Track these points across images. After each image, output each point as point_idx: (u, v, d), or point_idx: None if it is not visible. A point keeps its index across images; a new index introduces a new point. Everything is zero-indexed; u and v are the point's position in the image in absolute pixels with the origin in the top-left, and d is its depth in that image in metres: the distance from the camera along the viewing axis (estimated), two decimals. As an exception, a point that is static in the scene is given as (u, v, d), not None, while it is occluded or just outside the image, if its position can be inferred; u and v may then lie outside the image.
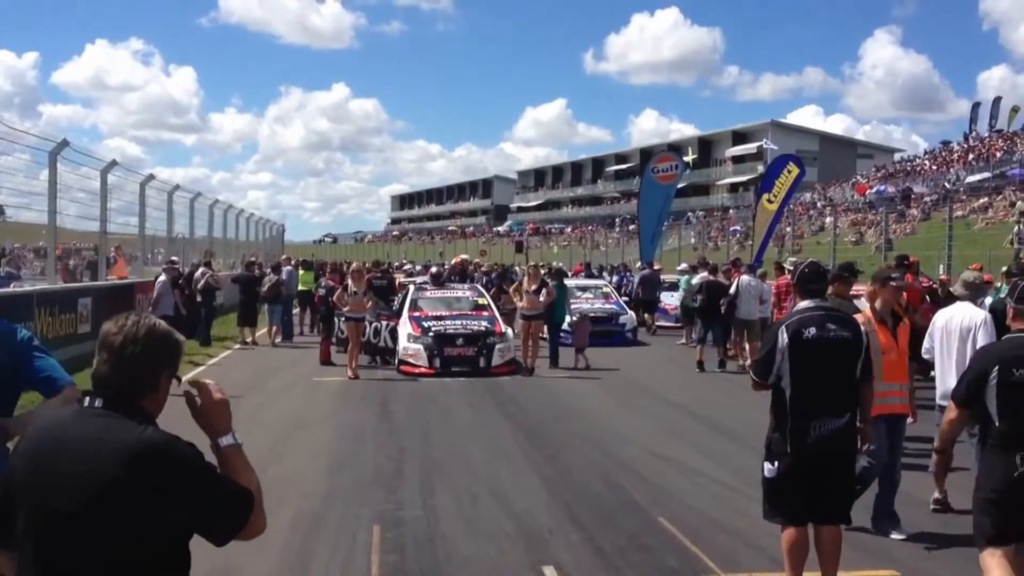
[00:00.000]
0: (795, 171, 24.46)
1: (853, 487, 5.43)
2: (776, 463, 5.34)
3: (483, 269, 29.99)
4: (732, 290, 16.93)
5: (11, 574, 2.74)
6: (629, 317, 21.94)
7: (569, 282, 22.90)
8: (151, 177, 22.99)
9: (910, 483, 8.11)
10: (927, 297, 13.12)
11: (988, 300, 10.63)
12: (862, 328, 5.47)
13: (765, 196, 24.70)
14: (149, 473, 2.52)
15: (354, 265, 18.06)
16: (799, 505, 5.32)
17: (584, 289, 23.78)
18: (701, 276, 18.92)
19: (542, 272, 18.40)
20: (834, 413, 5.27)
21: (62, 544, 2.58)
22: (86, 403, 2.67)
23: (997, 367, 4.89)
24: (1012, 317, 5.19)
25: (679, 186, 33.53)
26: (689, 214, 74.23)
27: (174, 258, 20.94)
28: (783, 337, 5.32)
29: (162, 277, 18.34)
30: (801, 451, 5.24)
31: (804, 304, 5.52)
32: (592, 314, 19.91)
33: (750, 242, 31.90)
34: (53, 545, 2.59)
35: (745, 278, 17.20)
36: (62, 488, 2.56)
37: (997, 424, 4.89)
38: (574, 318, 17.98)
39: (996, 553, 4.86)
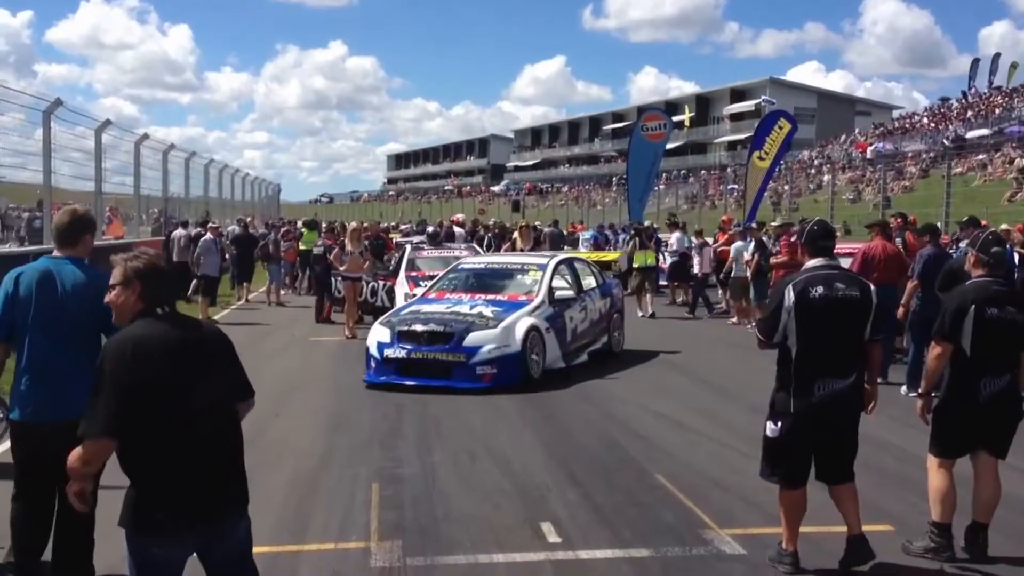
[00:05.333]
0: (786, 127, 24.23)
1: (855, 448, 5.42)
2: (779, 423, 5.31)
3: (469, 227, 29.47)
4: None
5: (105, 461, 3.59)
6: (494, 334, 11.21)
7: (491, 260, 15.16)
8: (145, 136, 22.89)
9: (908, 440, 8.17)
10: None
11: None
12: (872, 287, 5.41)
13: (756, 153, 24.42)
14: (229, 340, 3.79)
15: (352, 225, 18.00)
16: (799, 466, 5.33)
17: (498, 275, 13.41)
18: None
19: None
20: (839, 374, 5.23)
21: (216, 400, 3.62)
22: (158, 312, 3.64)
23: (974, 305, 5.53)
24: (974, 264, 5.82)
25: (674, 145, 33.40)
26: (681, 172, 73.91)
27: (214, 222, 21.34)
28: (789, 296, 5.25)
29: (207, 236, 18.45)
30: (805, 411, 5.21)
31: (813, 263, 5.42)
32: (417, 326, 11.52)
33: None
34: (211, 403, 3.59)
35: (739, 243, 18.26)
36: (206, 363, 3.61)
37: (968, 354, 5.55)
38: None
39: (946, 463, 5.68)
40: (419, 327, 11.51)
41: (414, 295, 16.09)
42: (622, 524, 6.29)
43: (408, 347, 11.33)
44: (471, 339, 11.20)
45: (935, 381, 5.76)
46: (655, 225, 27.55)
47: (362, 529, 6.17)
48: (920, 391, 5.84)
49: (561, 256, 14.61)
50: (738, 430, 9.01)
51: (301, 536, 5.91)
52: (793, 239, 16.14)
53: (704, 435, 8.95)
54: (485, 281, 13.26)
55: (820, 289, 5.24)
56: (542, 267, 13.15)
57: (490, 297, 12.44)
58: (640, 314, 18.24)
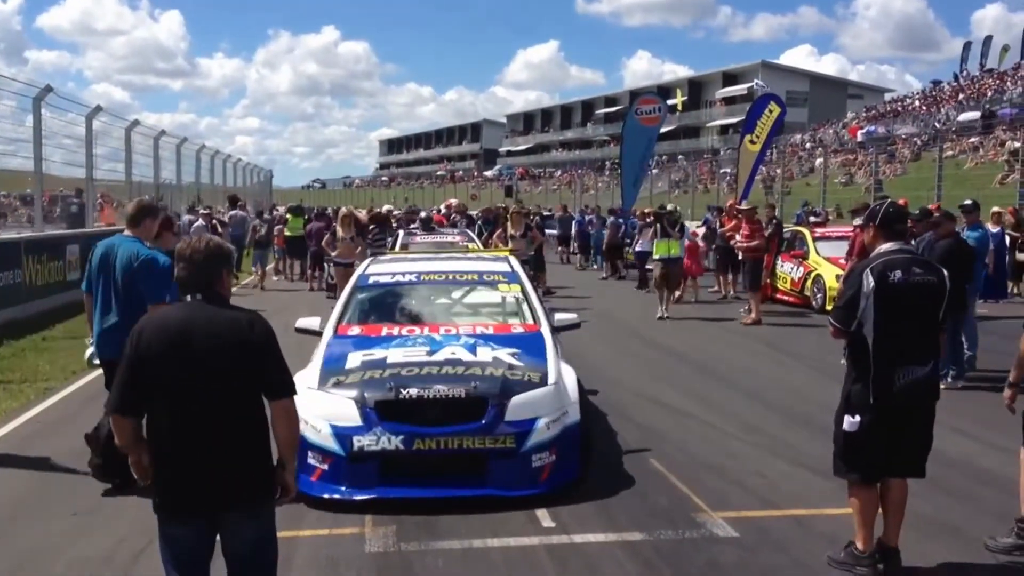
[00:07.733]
0: (776, 110, 24.30)
1: (931, 439, 5.25)
2: (858, 416, 5.08)
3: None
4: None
5: (132, 436, 3.60)
6: (546, 396, 6.61)
7: (457, 268, 9.48)
8: (136, 123, 22.76)
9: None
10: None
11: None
12: (945, 273, 5.22)
13: (748, 137, 24.51)
14: (264, 333, 3.61)
15: (343, 210, 17.96)
16: (876, 460, 5.14)
17: (449, 290, 8.89)
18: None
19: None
20: (919, 361, 5.07)
21: (216, 393, 3.50)
22: (188, 299, 3.63)
23: None
24: None
25: (666, 129, 33.41)
26: (663, 157, 73.80)
27: (207, 207, 21.42)
28: (868, 280, 5.03)
29: (199, 222, 18.49)
30: (886, 402, 5.03)
31: (887, 246, 5.20)
32: (412, 389, 6.45)
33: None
34: (209, 396, 3.49)
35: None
36: (206, 354, 3.48)
37: None
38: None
39: None
40: (416, 390, 6.46)
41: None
42: (616, 508, 6.30)
43: (404, 431, 6.33)
44: (517, 407, 6.48)
45: None
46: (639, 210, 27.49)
47: (357, 516, 6.16)
48: (1010, 380, 5.59)
49: (511, 257, 10.02)
50: (732, 414, 9.04)
51: (297, 522, 5.90)
52: (755, 223, 16.14)
53: (698, 419, 8.94)
54: (435, 302, 8.65)
55: (899, 274, 5.05)
56: (511, 277, 8.89)
57: (470, 329, 7.77)
58: (660, 314, 16.10)
